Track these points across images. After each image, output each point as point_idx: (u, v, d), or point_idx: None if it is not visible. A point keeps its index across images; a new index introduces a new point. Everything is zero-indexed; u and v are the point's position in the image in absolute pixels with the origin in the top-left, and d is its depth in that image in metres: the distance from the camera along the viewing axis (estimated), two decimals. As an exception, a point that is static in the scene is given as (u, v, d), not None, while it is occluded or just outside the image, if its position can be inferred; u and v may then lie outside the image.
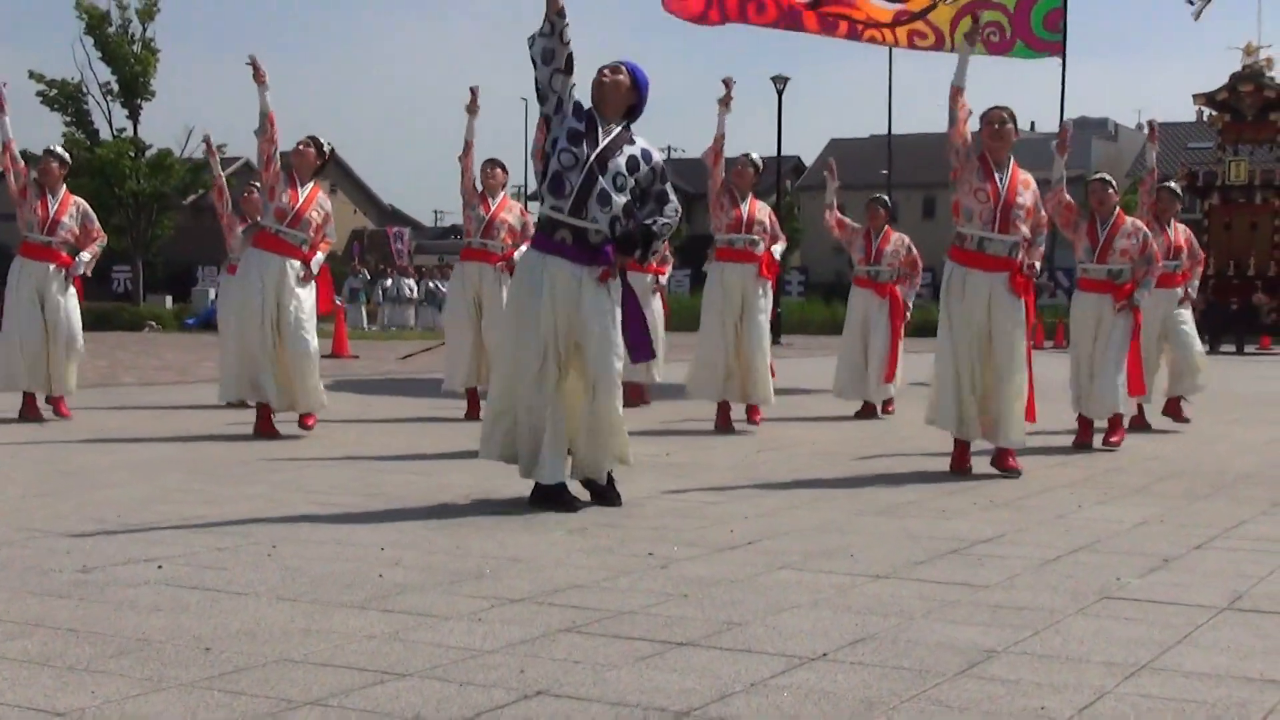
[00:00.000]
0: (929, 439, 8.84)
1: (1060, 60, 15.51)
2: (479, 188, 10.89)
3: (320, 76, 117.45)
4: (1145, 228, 9.62)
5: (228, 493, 6.59)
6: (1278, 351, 30.46)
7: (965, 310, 7.61)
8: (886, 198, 12.41)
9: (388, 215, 68.92)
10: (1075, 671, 3.53)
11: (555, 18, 6.02)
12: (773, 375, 10.45)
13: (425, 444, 9.00)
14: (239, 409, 10.37)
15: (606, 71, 6.29)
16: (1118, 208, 9.63)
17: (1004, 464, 7.70)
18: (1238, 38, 33.48)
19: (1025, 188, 7.71)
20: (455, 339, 11.12)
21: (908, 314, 12.01)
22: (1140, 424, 10.70)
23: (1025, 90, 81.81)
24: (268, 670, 3.43)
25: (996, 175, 7.64)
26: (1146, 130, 8.73)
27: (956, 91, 7.59)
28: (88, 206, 10.77)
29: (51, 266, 10.35)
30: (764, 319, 10.26)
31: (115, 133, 40.24)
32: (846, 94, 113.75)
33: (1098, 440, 9.41)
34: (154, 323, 34.99)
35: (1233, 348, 29.78)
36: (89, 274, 10.73)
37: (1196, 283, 11.49)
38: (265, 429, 9.27)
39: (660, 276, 12.95)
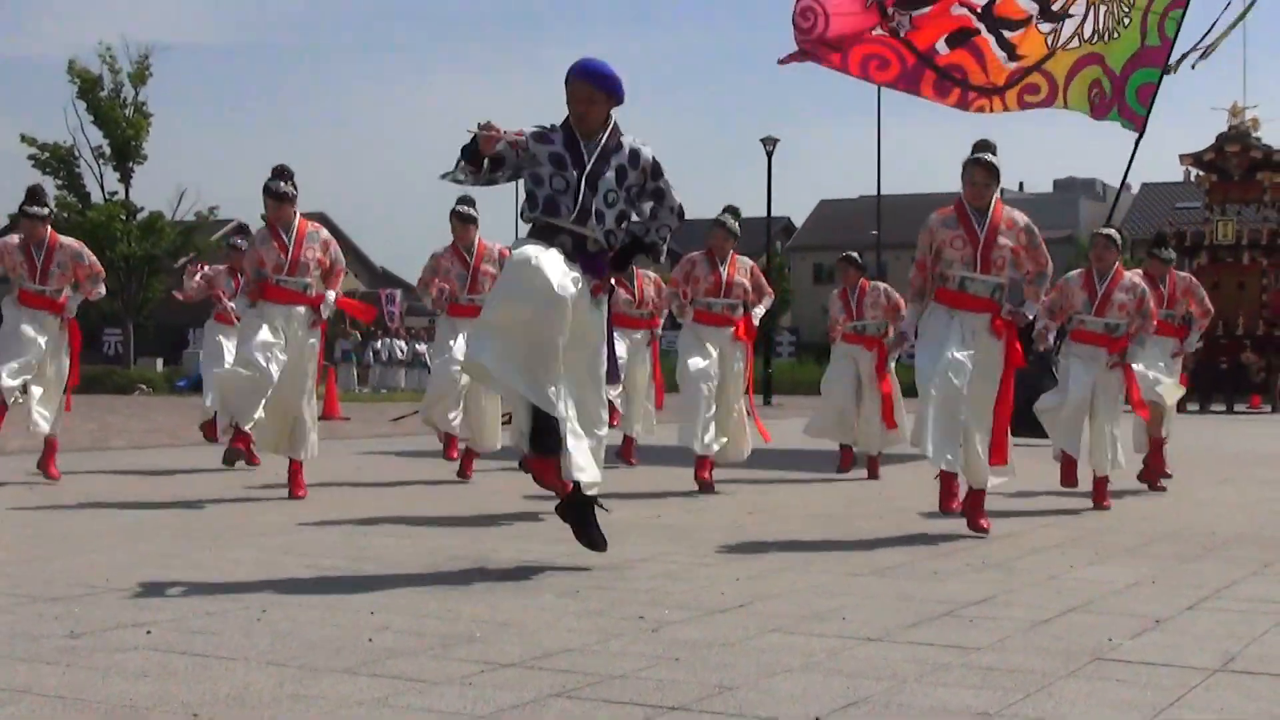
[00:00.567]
0: (919, 500, 8.83)
1: (1138, 136, 14.71)
2: (448, 268, 10.61)
3: (311, 138, 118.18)
4: (1143, 284, 9.64)
5: (217, 556, 6.56)
6: (1267, 410, 30.51)
7: (954, 333, 7.53)
8: (855, 254, 12.38)
9: (379, 277, 68.96)
10: (1068, 735, 3.51)
11: (489, 175, 5.95)
12: (766, 437, 10.45)
13: (416, 506, 8.98)
14: (230, 470, 10.35)
15: (580, 105, 6.09)
16: (1117, 263, 9.67)
17: (974, 523, 7.65)
18: (1224, 98, 33.61)
19: (1009, 227, 7.69)
20: (442, 378, 10.69)
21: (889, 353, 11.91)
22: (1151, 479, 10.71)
23: (1016, 148, 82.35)
24: (256, 737, 3.41)
25: (975, 220, 7.67)
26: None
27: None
28: (80, 247, 10.45)
29: (46, 313, 10.14)
30: (739, 385, 10.22)
31: (107, 196, 40.36)
32: (836, 154, 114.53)
33: (1085, 480, 9.39)
34: (145, 385, 34.94)
35: (1223, 407, 29.82)
36: (90, 297, 10.46)
37: (1196, 336, 11.46)
38: (237, 444, 9.11)
39: (655, 330, 12.95)
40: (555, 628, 4.86)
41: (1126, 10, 14.02)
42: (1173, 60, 13.85)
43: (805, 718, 3.64)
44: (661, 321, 13.13)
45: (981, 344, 7.57)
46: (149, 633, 4.65)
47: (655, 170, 6.27)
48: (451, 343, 10.48)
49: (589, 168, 6.06)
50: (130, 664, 4.19)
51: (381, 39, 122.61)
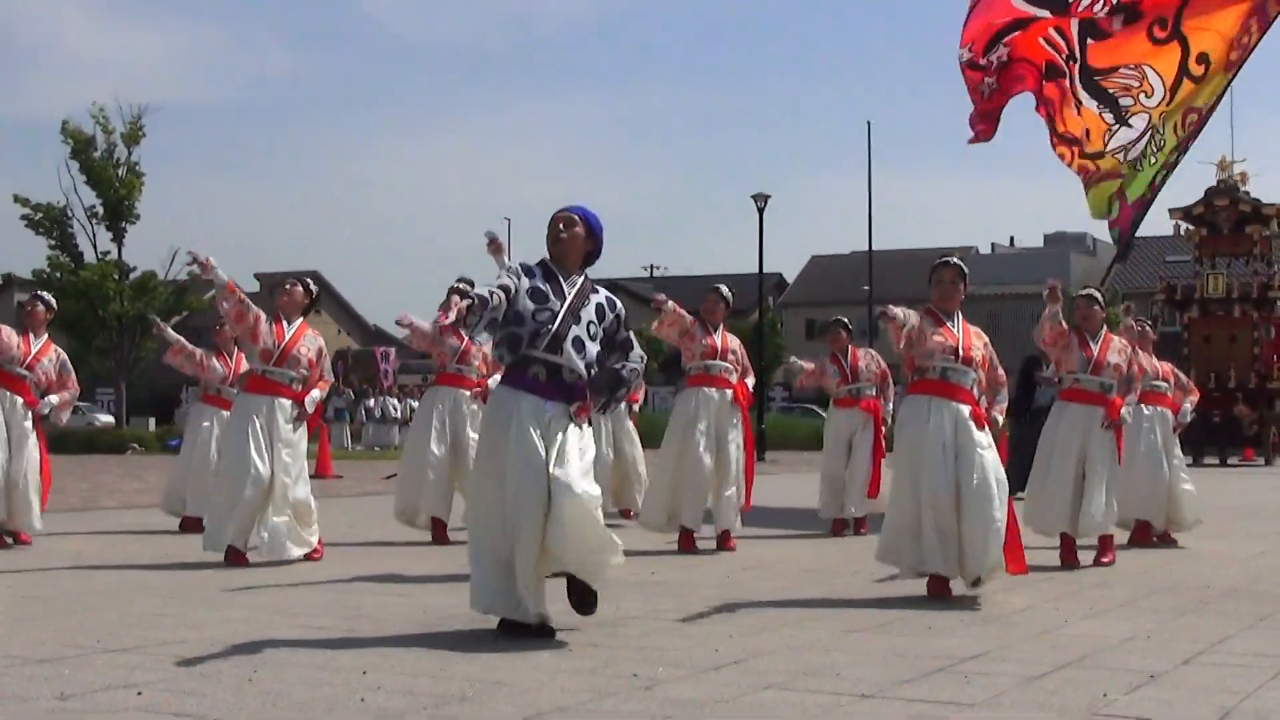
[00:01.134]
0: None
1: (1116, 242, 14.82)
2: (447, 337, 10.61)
3: (304, 196, 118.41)
4: (1131, 348, 9.75)
5: (208, 616, 6.53)
6: (1260, 463, 30.51)
7: (933, 429, 7.42)
8: (844, 319, 12.56)
9: (372, 335, 69.04)
10: (1064, 791, 3.49)
11: (500, 294, 5.96)
12: (746, 504, 10.37)
13: (408, 565, 8.95)
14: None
15: (562, 226, 6.26)
16: (1104, 325, 9.72)
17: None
18: (1211, 153, 33.73)
19: (977, 339, 7.79)
20: (414, 461, 10.71)
21: (886, 425, 12.00)
22: (1144, 539, 10.71)
23: (1007, 203, 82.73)
24: (247, 799, 3.38)
25: (948, 322, 7.72)
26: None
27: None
28: (67, 359, 10.66)
29: (20, 400, 10.16)
30: (735, 449, 10.22)
31: (100, 256, 40.38)
32: (827, 210, 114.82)
33: (1085, 558, 9.35)
34: (137, 445, 34.88)
35: (1216, 460, 29.82)
36: (58, 423, 10.65)
37: (1188, 407, 11.56)
38: (233, 560, 8.97)
39: (634, 404, 13.15)
40: (548, 686, 4.84)
41: (1156, 149, 14.02)
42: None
43: (800, 776, 3.62)
44: (640, 398, 13.47)
45: (965, 429, 7.41)
46: (140, 694, 4.62)
47: (625, 321, 6.41)
48: (434, 426, 10.61)
49: (570, 298, 6.16)
50: (120, 726, 4.16)
51: (374, 98, 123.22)
